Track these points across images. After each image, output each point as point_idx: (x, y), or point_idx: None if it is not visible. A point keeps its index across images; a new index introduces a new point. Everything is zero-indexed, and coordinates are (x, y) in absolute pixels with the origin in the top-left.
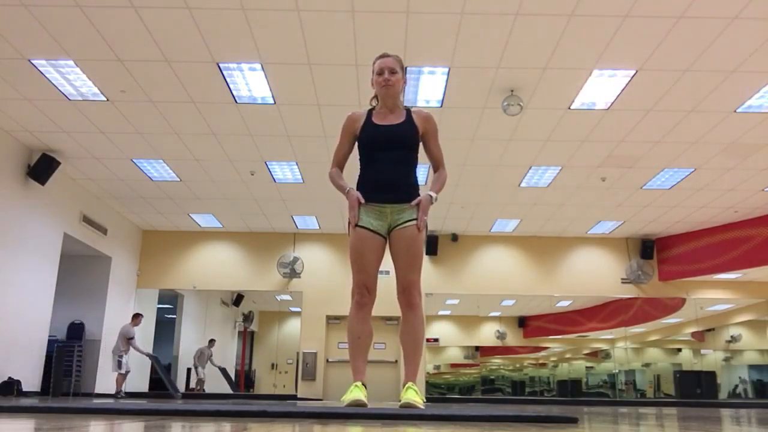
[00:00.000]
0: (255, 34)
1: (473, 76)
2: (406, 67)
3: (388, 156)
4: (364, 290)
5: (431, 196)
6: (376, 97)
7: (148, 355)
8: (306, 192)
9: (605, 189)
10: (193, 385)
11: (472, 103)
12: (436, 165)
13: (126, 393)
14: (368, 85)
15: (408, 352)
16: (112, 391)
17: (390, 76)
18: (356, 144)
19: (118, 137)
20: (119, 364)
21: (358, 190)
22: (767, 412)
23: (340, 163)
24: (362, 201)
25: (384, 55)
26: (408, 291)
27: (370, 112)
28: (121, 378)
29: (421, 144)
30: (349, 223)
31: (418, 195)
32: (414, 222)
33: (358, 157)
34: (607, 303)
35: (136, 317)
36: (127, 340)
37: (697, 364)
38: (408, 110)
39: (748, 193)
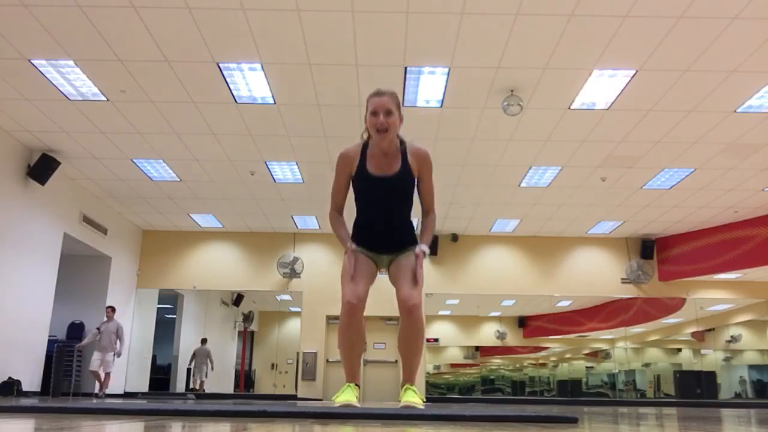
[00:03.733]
0: (255, 34)
1: (473, 76)
2: (401, 104)
3: (383, 205)
4: (354, 299)
5: (424, 251)
6: (368, 129)
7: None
8: (306, 192)
9: (605, 189)
10: (192, 385)
11: (472, 103)
12: (427, 209)
13: (105, 394)
14: (368, 84)
15: (405, 356)
16: (113, 391)
17: (386, 118)
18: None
19: (118, 137)
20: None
21: (354, 233)
22: (766, 412)
23: (339, 205)
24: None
25: (378, 93)
26: (406, 301)
27: (364, 150)
28: (95, 375)
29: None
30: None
31: (414, 236)
32: (412, 249)
33: (354, 198)
34: (607, 303)
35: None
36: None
37: (697, 364)
38: (403, 149)
39: (748, 193)
